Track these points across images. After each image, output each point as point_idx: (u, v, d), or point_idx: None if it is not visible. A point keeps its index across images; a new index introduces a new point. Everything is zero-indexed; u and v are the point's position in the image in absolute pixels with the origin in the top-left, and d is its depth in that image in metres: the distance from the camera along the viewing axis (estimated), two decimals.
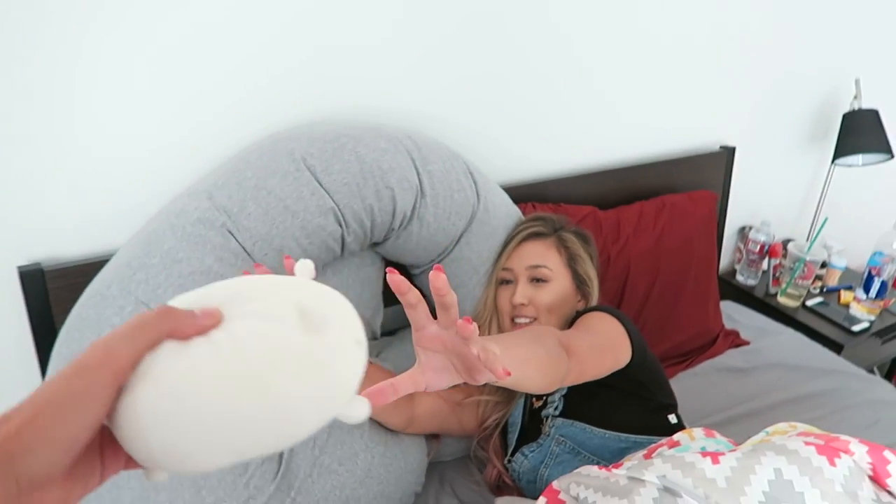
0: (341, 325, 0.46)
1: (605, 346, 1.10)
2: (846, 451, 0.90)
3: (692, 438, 1.06)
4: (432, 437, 1.29)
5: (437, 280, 0.57)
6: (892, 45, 2.23)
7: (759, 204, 2.25)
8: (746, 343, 1.79)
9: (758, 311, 2.00)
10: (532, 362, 0.83)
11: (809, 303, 2.04)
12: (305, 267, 0.53)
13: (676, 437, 1.07)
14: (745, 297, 2.14)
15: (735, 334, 1.81)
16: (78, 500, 0.42)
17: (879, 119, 2.00)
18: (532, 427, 1.26)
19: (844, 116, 2.04)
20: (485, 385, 1.28)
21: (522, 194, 1.54)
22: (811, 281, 2.03)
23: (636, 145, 1.82)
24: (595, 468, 1.00)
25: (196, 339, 0.42)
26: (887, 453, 0.90)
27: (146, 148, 1.14)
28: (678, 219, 1.71)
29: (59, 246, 1.13)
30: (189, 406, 0.39)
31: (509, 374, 0.64)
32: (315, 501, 1.05)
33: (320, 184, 1.07)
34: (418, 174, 1.17)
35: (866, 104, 2.05)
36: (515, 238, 1.32)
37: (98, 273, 1.04)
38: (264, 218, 1.03)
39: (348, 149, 1.11)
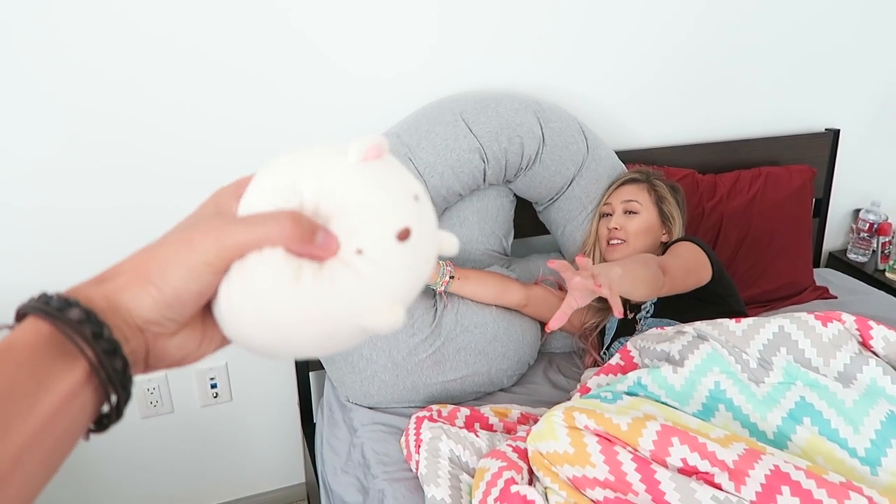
0: (426, 244, 0.43)
1: (691, 268, 1.48)
2: (838, 319, 1.22)
3: None
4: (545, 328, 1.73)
5: (581, 261, 1.16)
6: None
7: (872, 186, 2.44)
8: (834, 297, 2.03)
9: (859, 280, 2.21)
10: (641, 280, 1.27)
11: None
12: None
13: None
14: (856, 273, 2.32)
15: (824, 289, 2.06)
16: (199, 358, 0.43)
17: None
18: (625, 330, 1.65)
19: None
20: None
21: (632, 158, 1.92)
22: None
23: (741, 122, 2.13)
24: (655, 329, 1.39)
25: (305, 265, 0.40)
26: (871, 322, 1.21)
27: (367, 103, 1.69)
28: (773, 185, 2.01)
29: None
30: (275, 330, 0.40)
31: (621, 313, 1.14)
32: (457, 349, 1.53)
33: (471, 131, 1.56)
34: (541, 128, 1.62)
35: None
36: (616, 182, 1.72)
37: None
38: (432, 151, 1.53)
39: (491, 108, 1.59)
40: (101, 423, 0.38)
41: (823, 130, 2.23)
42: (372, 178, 0.42)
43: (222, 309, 0.41)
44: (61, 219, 1.55)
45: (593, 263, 1.36)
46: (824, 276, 2.20)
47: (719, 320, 1.29)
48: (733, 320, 1.28)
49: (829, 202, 2.30)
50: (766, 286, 2.00)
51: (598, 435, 1.12)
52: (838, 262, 2.42)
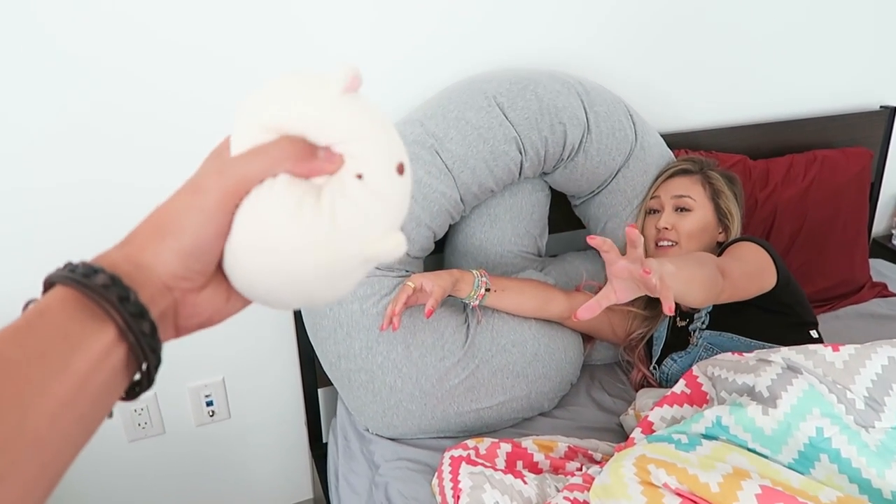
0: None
1: (754, 272, 1.28)
2: None
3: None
4: (587, 340, 1.53)
5: (632, 233, 0.90)
6: None
7: None
8: (894, 295, 1.85)
9: None
10: (696, 281, 1.05)
11: None
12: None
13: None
14: None
15: (882, 286, 1.87)
16: (228, 315, 0.45)
17: None
18: (676, 341, 1.45)
19: None
20: (637, 299, 1.50)
21: (677, 142, 1.70)
22: None
23: (791, 100, 1.92)
24: (729, 354, 1.19)
25: (307, 193, 0.41)
26: None
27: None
28: (829, 172, 1.80)
29: None
30: (279, 260, 0.41)
31: (672, 310, 0.89)
32: (492, 372, 1.32)
33: (507, 117, 1.33)
34: (586, 113, 1.40)
35: None
36: (665, 173, 1.50)
37: None
38: (462, 142, 1.31)
39: (530, 90, 1.36)
40: (133, 390, 0.39)
41: (878, 108, 2.02)
42: (364, 108, 0.42)
43: (227, 251, 0.41)
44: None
45: None
46: (876, 269, 2.01)
47: (811, 347, 1.09)
48: (830, 348, 1.08)
49: (882, 186, 2.10)
50: (822, 283, 1.81)
51: (680, 495, 0.93)
52: (882, 249, 2.23)
